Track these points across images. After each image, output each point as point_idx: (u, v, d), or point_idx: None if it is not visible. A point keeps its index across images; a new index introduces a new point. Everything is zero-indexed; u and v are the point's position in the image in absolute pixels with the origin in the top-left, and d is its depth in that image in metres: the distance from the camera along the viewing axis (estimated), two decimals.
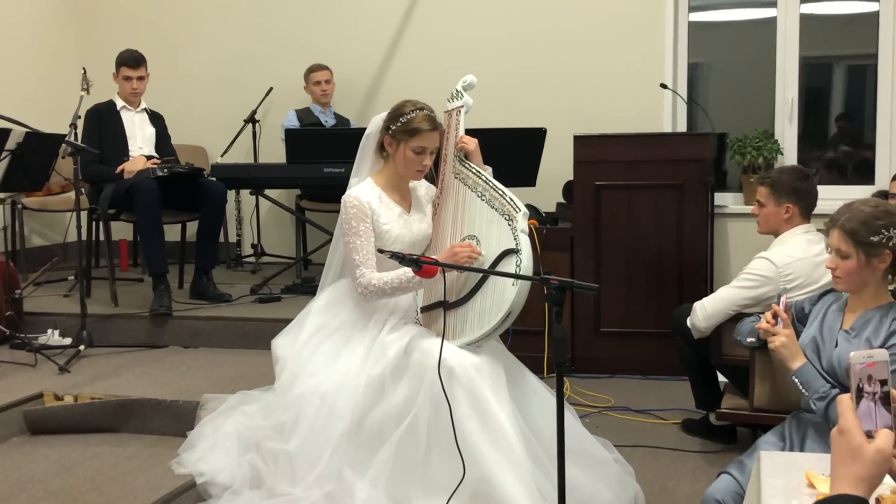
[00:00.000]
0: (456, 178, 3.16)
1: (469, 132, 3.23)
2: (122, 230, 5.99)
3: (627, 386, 4.50)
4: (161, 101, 5.64)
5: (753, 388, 2.92)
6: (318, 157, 4.98)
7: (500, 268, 2.87)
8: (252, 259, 6.22)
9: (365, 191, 3.08)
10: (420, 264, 2.71)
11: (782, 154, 5.35)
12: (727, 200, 5.44)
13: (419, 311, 3.11)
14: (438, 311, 3.00)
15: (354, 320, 3.06)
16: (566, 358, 2.35)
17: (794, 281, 3.25)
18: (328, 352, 3.02)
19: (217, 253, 5.22)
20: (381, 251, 2.81)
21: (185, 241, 5.56)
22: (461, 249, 2.91)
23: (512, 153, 4.69)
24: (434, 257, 2.91)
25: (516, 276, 2.75)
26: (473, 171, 3.11)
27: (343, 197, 3.07)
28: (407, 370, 2.88)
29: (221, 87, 6.44)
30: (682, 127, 5.59)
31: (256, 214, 6.27)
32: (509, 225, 2.91)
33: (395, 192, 3.13)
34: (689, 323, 3.48)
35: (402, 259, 2.70)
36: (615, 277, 4.68)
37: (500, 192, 2.99)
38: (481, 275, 2.90)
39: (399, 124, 3.02)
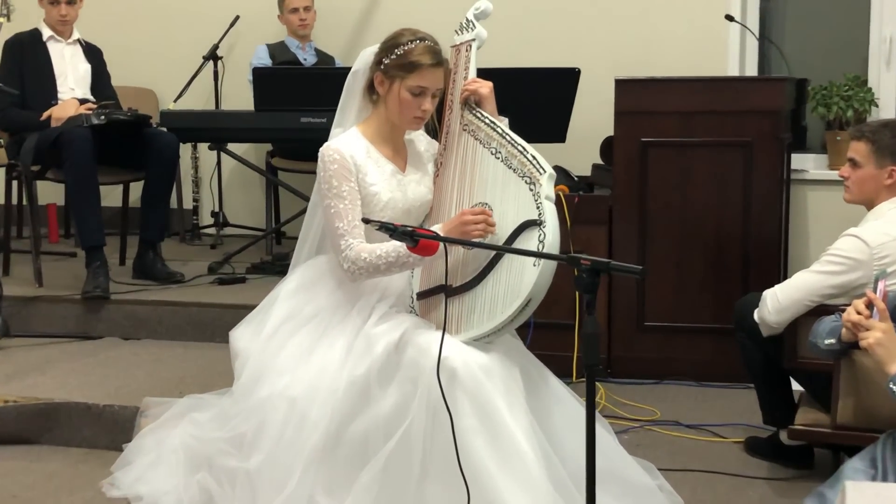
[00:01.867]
0: (464, 130, 3.14)
1: (482, 73, 3.19)
2: (52, 192, 5.98)
3: (677, 395, 4.46)
4: (99, 33, 5.62)
5: (837, 401, 2.90)
6: (294, 103, 4.98)
7: (519, 243, 2.85)
8: (212, 230, 6.22)
9: (349, 142, 3.06)
10: (416, 238, 2.68)
11: (877, 106, 5.29)
12: (807, 163, 5.40)
13: (415, 296, 3.08)
14: (440, 298, 2.97)
15: (334, 306, 3.05)
16: (599, 359, 2.30)
17: (891, 265, 3.19)
18: (300, 346, 3.01)
19: (167, 222, 5.25)
20: (366, 221, 2.80)
21: (127, 207, 5.55)
22: (473, 218, 2.88)
23: (536, 100, 4.65)
24: (434, 229, 2.89)
25: (538, 255, 2.72)
26: (487, 121, 3.09)
27: (321, 149, 3.06)
28: (398, 371, 2.85)
29: (175, 15, 6.41)
30: (751, 70, 5.53)
31: (218, 175, 6.26)
32: (531, 190, 2.88)
33: (386, 146, 3.11)
34: (756, 316, 3.44)
35: (392, 231, 2.68)
36: (664, 259, 4.63)
37: (520, 148, 2.96)
38: (494, 252, 2.87)
39: (394, 57, 3.00)
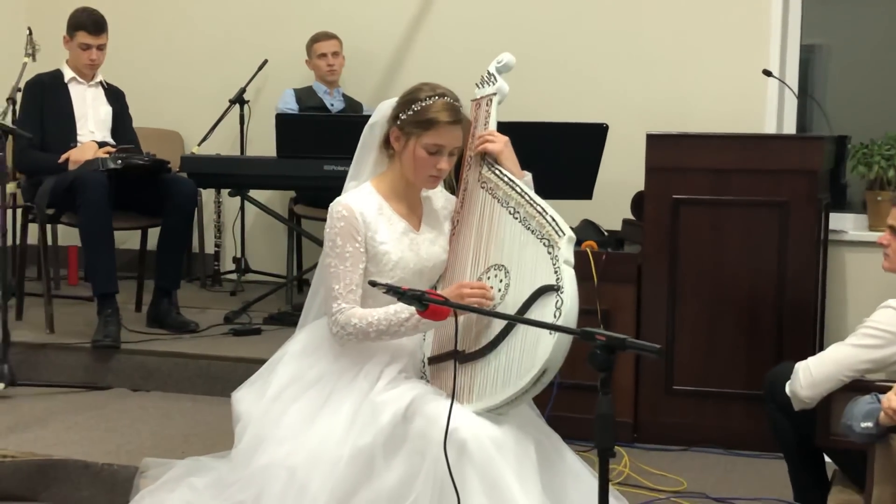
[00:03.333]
0: (482, 187, 3.08)
1: (504, 127, 3.13)
2: (74, 234, 5.93)
3: (706, 464, 4.33)
4: (126, 74, 5.66)
5: (871, 488, 2.76)
6: (318, 150, 4.95)
7: (535, 310, 2.77)
8: (233, 276, 6.19)
9: (360, 198, 3.01)
10: (426, 303, 2.61)
11: None
12: (846, 223, 5.34)
13: (426, 361, 3.01)
14: (451, 365, 2.88)
15: (339, 371, 2.98)
16: (613, 443, 2.20)
17: None
18: (302, 411, 2.95)
19: (181, 270, 5.23)
20: (372, 284, 2.71)
21: (145, 251, 5.52)
22: (469, 291, 2.82)
23: (562, 156, 4.62)
24: (449, 292, 2.83)
25: (551, 327, 2.64)
26: (505, 179, 3.02)
27: (331, 204, 3.02)
28: (405, 442, 2.79)
29: (203, 57, 6.45)
30: (789, 127, 5.49)
31: (241, 220, 6.27)
32: (549, 253, 2.81)
33: (400, 203, 3.05)
34: (788, 390, 3.33)
35: (401, 295, 2.62)
36: (694, 321, 4.53)
37: (539, 208, 2.90)
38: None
39: (410, 113, 2.95)
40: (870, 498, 2.82)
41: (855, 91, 5.71)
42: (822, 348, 4.38)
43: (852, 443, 3.08)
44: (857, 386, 3.09)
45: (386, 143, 3.04)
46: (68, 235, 5.93)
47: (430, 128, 2.91)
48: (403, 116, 2.95)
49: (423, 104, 2.93)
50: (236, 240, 6.25)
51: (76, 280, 6.18)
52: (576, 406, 4.06)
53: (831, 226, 4.96)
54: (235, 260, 6.20)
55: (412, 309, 2.75)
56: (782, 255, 4.45)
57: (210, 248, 6.27)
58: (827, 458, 3.51)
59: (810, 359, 3.28)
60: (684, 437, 4.53)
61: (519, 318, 2.73)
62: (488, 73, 3.19)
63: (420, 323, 2.80)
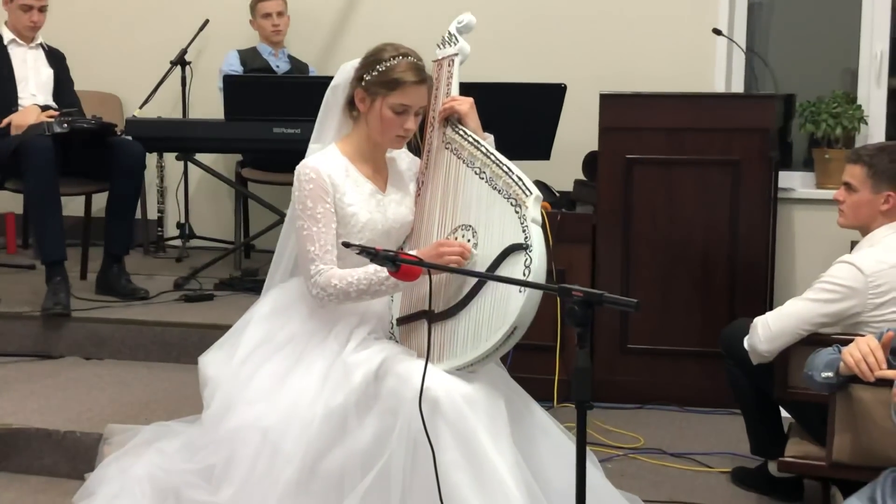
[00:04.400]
0: (446, 148, 3.12)
1: (465, 87, 3.17)
2: (10, 201, 5.90)
3: (662, 421, 4.44)
4: (62, 36, 5.56)
5: (832, 437, 2.88)
6: (266, 112, 4.94)
7: (504, 268, 2.82)
8: (178, 242, 6.17)
9: (326, 160, 3.03)
10: (398, 263, 2.67)
11: (866, 123, 5.31)
12: (794, 181, 5.43)
13: (395, 322, 3.06)
14: (421, 324, 2.95)
15: (309, 332, 3.02)
16: (590, 395, 2.28)
17: (886, 294, 3.19)
18: (273, 373, 2.98)
19: (131, 235, 5.20)
20: (346, 245, 2.76)
21: (90, 218, 5.47)
22: (448, 249, 2.87)
23: (521, 117, 4.66)
24: (416, 254, 2.86)
25: (525, 284, 2.70)
26: (470, 139, 3.07)
27: (297, 167, 3.03)
28: (377, 401, 2.83)
29: (142, 18, 6.37)
30: (737, 86, 5.54)
31: (185, 184, 6.22)
32: (516, 212, 2.87)
33: (366, 164, 3.09)
34: (746, 344, 3.42)
35: (374, 256, 2.67)
36: (648, 279, 4.62)
37: (505, 168, 2.95)
38: (478, 278, 2.83)
39: (376, 74, 2.99)
40: (831, 446, 2.90)
41: (801, 49, 5.75)
42: (773, 306, 4.51)
43: (810, 395, 3.17)
44: (814, 340, 3.18)
45: (350, 104, 3.07)
46: (4, 202, 5.89)
47: (395, 88, 2.95)
48: (368, 77, 2.98)
49: (388, 64, 2.97)
50: (180, 205, 6.21)
51: (15, 248, 6.13)
52: (533, 367, 4.15)
53: (780, 184, 5.06)
54: (179, 225, 6.16)
55: None
56: (735, 213, 4.54)
57: (153, 214, 6.24)
58: (783, 412, 3.59)
59: (768, 314, 3.36)
60: (640, 394, 4.64)
61: (494, 276, 2.78)
62: (449, 33, 3.22)
63: (397, 282, 2.83)
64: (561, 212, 4.75)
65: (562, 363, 4.31)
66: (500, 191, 2.92)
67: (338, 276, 2.92)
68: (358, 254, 2.68)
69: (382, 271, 2.84)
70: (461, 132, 3.08)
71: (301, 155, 3.10)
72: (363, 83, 3.00)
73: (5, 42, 5.10)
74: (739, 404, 3.70)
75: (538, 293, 2.75)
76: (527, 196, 2.86)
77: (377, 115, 2.99)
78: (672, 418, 4.47)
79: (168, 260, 5.90)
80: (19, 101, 5.02)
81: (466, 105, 3.09)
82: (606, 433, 4.24)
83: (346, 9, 6.10)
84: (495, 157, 2.98)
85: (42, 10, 5.08)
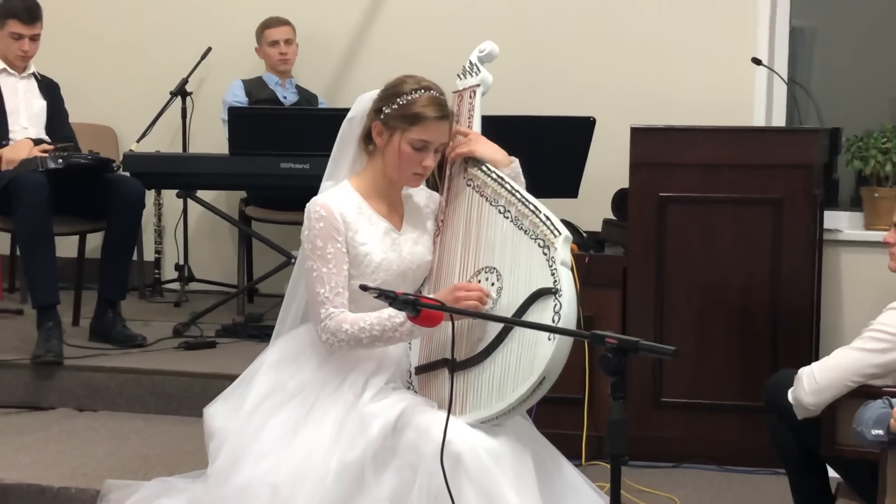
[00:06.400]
0: (468, 185, 3.16)
1: (487, 121, 3.23)
2: None
3: (699, 481, 4.43)
4: (54, 63, 5.62)
5: (883, 499, 2.88)
6: (273, 146, 4.99)
7: (532, 314, 2.85)
8: (176, 286, 6.20)
9: (338, 197, 3.07)
10: (419, 307, 2.68)
11: None
12: (841, 222, 5.43)
13: (413, 371, 3.08)
14: (442, 373, 2.97)
15: (322, 381, 3.05)
16: (625, 449, 2.31)
17: None
18: (284, 425, 3.00)
19: (127, 278, 5.21)
20: (364, 288, 2.78)
21: (83, 260, 5.51)
22: (466, 294, 2.90)
23: (546, 152, 4.66)
24: (436, 297, 2.89)
25: (556, 330, 2.72)
26: (494, 176, 3.11)
27: (308, 205, 3.07)
28: (395, 456, 2.86)
29: (139, 45, 6.43)
30: (779, 118, 5.56)
31: (184, 223, 6.26)
32: (544, 254, 2.90)
33: (381, 202, 3.13)
34: (790, 397, 3.42)
35: (393, 299, 2.69)
36: (683, 327, 4.62)
37: (531, 207, 2.99)
38: (503, 324, 2.86)
39: (395, 107, 3.03)
40: None
41: (848, 80, 5.76)
42: (818, 355, 4.51)
43: (860, 452, 3.17)
44: (863, 392, 3.16)
45: (366, 138, 3.10)
46: None
47: (416, 122, 2.99)
48: (387, 110, 3.02)
49: (409, 98, 3.01)
50: (178, 245, 6.25)
51: (0, 292, 6.15)
52: (559, 421, 4.17)
53: (825, 224, 5.05)
54: (178, 267, 6.20)
55: None
56: (777, 256, 4.52)
57: (150, 255, 6.27)
58: (830, 471, 3.57)
59: (814, 364, 3.36)
60: (675, 452, 4.60)
61: (522, 321, 2.80)
62: (470, 62, 3.28)
63: (415, 328, 2.85)
64: (589, 253, 4.75)
65: (590, 417, 4.32)
66: (526, 231, 2.95)
67: (349, 321, 2.94)
68: (375, 297, 2.70)
69: (398, 316, 2.86)
70: (484, 168, 3.12)
71: (310, 191, 3.14)
72: (381, 116, 3.04)
73: None
74: (783, 462, 3.69)
75: (568, 341, 2.78)
76: (555, 237, 2.88)
77: (395, 150, 3.02)
78: (710, 478, 4.45)
79: (166, 304, 5.94)
80: (10, 135, 5.07)
81: (472, 143, 3.15)
82: (639, 494, 4.23)
83: (358, 37, 6.14)
84: (521, 194, 3.02)
85: (34, 38, 5.13)
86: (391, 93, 3.05)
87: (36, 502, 3.55)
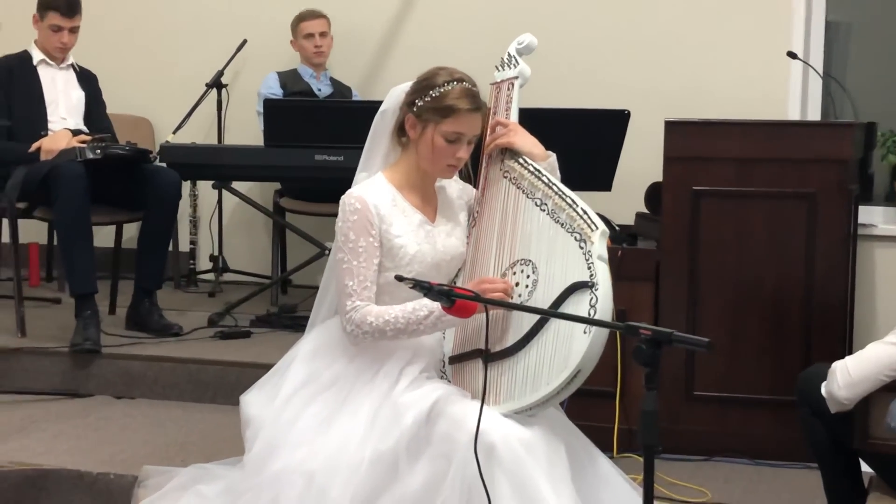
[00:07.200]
0: (504, 177, 3.16)
1: (521, 114, 3.22)
2: (33, 230, 6.00)
3: (730, 475, 4.42)
4: (92, 56, 5.66)
5: None
6: (308, 138, 5.02)
7: (567, 308, 2.86)
8: (210, 276, 6.23)
9: (373, 190, 3.09)
10: (453, 298, 2.70)
11: None
12: (875, 217, 5.44)
13: (446, 361, 3.10)
14: (475, 364, 2.98)
15: (356, 371, 3.06)
16: (658, 439, 2.32)
17: None
18: (319, 415, 3.02)
19: (164, 268, 5.25)
20: (399, 279, 2.80)
21: (120, 250, 5.56)
22: (491, 286, 2.92)
23: (581, 145, 4.67)
24: (470, 288, 2.89)
25: (591, 322, 2.73)
26: (531, 168, 3.11)
27: (343, 197, 3.08)
28: (429, 445, 2.87)
29: (176, 37, 6.48)
30: (814, 112, 5.56)
31: (219, 215, 6.30)
32: (581, 248, 2.90)
33: (415, 194, 3.14)
34: (824, 391, 3.40)
35: (428, 290, 2.71)
36: (716, 321, 4.61)
37: (568, 200, 2.99)
38: (538, 316, 2.88)
39: (428, 99, 3.04)
40: None
41: (884, 73, 5.75)
42: (851, 350, 4.50)
43: (892, 446, 3.17)
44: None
45: (399, 130, 3.12)
46: (27, 232, 5.97)
47: (449, 115, 3.00)
48: (420, 103, 3.03)
49: (442, 90, 3.02)
50: (213, 237, 6.29)
51: (38, 281, 6.20)
52: (590, 414, 4.16)
53: (860, 219, 5.03)
54: (213, 258, 6.24)
55: (431, 305, 2.85)
56: (810, 250, 4.49)
57: (185, 246, 6.31)
58: (864, 465, 3.56)
59: (848, 358, 3.35)
60: (707, 445, 4.58)
61: (558, 313, 2.81)
62: (508, 54, 3.27)
63: (439, 321, 2.88)
64: (622, 247, 4.75)
65: (621, 411, 4.33)
66: (562, 224, 2.96)
67: (374, 314, 2.96)
68: (411, 287, 2.72)
69: (421, 309, 2.89)
70: (521, 161, 3.12)
71: (343, 183, 3.16)
72: (414, 108, 3.05)
73: (35, 62, 5.20)
74: (815, 457, 3.67)
75: (604, 334, 2.79)
76: (592, 230, 2.89)
77: (428, 142, 3.03)
78: (742, 472, 4.44)
79: (200, 295, 5.98)
80: (49, 125, 5.11)
81: (512, 134, 3.15)
82: (670, 486, 4.22)
83: (392, 30, 6.17)
84: (558, 187, 3.02)
85: (73, 31, 5.17)
86: (424, 85, 3.06)
87: (75, 487, 3.58)
